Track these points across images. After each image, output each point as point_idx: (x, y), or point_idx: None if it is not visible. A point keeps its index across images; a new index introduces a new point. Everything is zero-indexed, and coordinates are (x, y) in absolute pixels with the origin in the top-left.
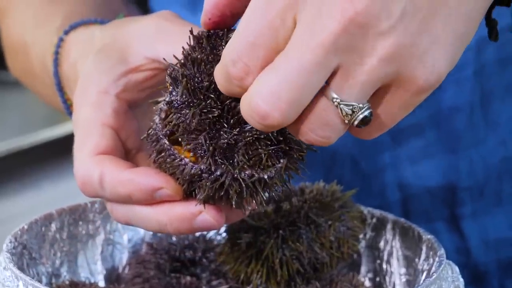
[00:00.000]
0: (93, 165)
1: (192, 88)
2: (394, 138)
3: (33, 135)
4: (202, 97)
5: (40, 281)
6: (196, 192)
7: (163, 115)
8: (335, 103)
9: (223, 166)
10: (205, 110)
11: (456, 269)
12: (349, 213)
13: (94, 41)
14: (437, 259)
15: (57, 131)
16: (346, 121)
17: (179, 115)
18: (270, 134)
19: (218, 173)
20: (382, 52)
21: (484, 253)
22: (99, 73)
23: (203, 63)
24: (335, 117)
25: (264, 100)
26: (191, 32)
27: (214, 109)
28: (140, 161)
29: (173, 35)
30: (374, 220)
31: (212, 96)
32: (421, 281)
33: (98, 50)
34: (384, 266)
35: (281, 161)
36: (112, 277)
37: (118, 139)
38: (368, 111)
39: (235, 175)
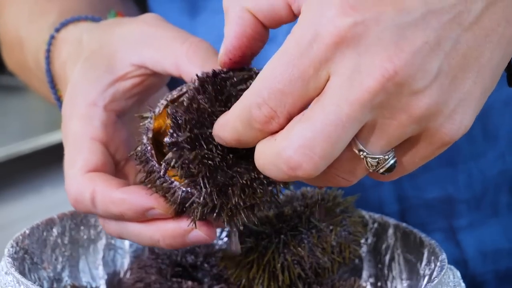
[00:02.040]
0: (84, 183)
1: (195, 135)
2: None
3: (34, 140)
4: (204, 144)
5: (41, 286)
6: (187, 212)
7: (150, 135)
8: (362, 155)
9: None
10: (206, 156)
11: (458, 274)
12: (350, 218)
13: (82, 45)
14: (438, 264)
15: (57, 136)
16: (371, 170)
17: (178, 154)
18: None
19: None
20: (414, 111)
21: (481, 264)
22: (87, 84)
23: (206, 112)
24: (360, 166)
25: (297, 152)
26: (197, 75)
27: (216, 156)
28: (129, 171)
29: (158, 40)
30: (376, 225)
31: (215, 143)
32: (423, 286)
33: (85, 58)
34: (386, 271)
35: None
36: (114, 282)
37: (107, 154)
38: (393, 160)
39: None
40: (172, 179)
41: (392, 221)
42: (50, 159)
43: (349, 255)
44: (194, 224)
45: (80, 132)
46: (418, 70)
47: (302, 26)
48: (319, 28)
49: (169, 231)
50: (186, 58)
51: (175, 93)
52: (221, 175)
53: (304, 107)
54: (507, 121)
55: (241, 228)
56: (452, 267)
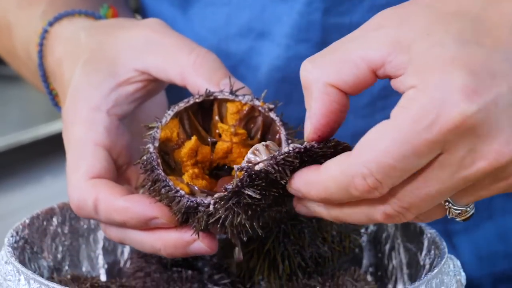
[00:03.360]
0: (87, 190)
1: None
2: None
3: (34, 130)
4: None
5: (41, 275)
6: (191, 221)
7: (156, 144)
8: (447, 206)
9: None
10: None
11: (458, 263)
12: None
13: (80, 44)
14: (438, 253)
15: (57, 126)
16: (449, 217)
17: (235, 201)
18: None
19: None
20: (505, 185)
21: (477, 267)
22: (89, 88)
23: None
24: (441, 214)
25: (396, 210)
26: (241, 168)
27: (260, 204)
28: (131, 175)
29: (163, 47)
30: None
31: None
32: (423, 275)
33: (85, 60)
34: (386, 260)
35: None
36: (114, 271)
37: (110, 159)
38: (473, 211)
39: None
40: (178, 188)
41: None
42: (50, 149)
43: (349, 245)
44: (197, 235)
45: (83, 138)
46: None
47: (420, 105)
48: (441, 111)
49: (171, 241)
50: (193, 69)
51: (182, 105)
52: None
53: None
54: None
55: (245, 239)
56: (452, 256)
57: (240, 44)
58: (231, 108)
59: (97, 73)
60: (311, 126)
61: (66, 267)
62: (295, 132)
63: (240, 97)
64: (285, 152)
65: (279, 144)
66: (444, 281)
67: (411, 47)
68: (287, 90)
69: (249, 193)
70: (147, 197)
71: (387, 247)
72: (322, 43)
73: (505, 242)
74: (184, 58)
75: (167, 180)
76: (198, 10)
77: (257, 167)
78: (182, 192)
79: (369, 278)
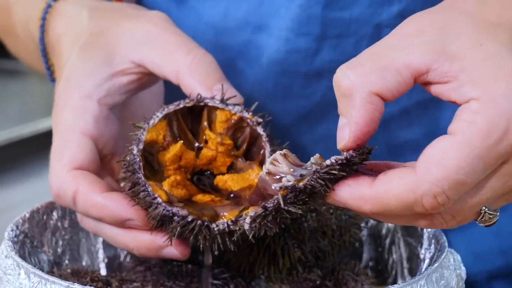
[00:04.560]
0: (68, 181)
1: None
2: (390, 151)
3: (34, 124)
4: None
5: (41, 269)
6: (165, 228)
7: (141, 146)
8: (483, 211)
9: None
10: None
11: (458, 257)
12: None
13: (82, 25)
14: (439, 247)
15: None
16: (478, 221)
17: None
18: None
19: (190, 219)
20: None
21: (473, 264)
22: (83, 74)
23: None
24: (474, 218)
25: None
26: (285, 187)
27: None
28: (115, 165)
29: (161, 43)
30: None
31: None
32: (423, 269)
33: (83, 44)
34: (386, 254)
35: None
36: (114, 265)
37: (95, 150)
38: (498, 216)
39: (206, 223)
40: (156, 195)
41: None
42: (50, 143)
43: (350, 239)
44: (170, 242)
45: (71, 125)
46: None
47: (488, 119)
48: (510, 124)
49: (145, 243)
50: (188, 70)
51: (171, 107)
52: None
53: None
54: None
55: (216, 253)
56: (453, 250)
57: (237, 38)
58: (220, 116)
59: (93, 60)
60: (352, 135)
61: (66, 261)
62: (280, 148)
63: (230, 107)
64: (328, 165)
65: (262, 160)
66: (444, 275)
67: (463, 56)
68: (286, 83)
69: (290, 209)
70: (125, 197)
71: (387, 241)
72: (321, 37)
73: (500, 239)
74: (181, 57)
75: (147, 185)
76: (195, 3)
77: (301, 184)
78: (160, 200)
79: (369, 272)
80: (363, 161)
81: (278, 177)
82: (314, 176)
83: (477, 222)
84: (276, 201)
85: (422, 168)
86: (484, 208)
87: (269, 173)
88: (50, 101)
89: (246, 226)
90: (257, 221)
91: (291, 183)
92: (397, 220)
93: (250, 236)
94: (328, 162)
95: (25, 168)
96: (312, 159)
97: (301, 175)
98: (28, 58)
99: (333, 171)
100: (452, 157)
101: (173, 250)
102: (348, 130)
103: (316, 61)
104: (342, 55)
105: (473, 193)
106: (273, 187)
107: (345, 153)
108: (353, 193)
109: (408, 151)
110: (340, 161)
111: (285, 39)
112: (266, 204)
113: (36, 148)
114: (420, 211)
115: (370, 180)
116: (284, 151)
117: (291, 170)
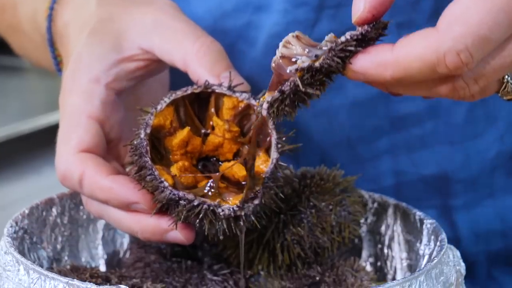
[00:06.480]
0: (75, 163)
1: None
2: (392, 124)
3: (34, 121)
4: None
5: (41, 265)
6: (171, 212)
7: (148, 130)
8: (505, 80)
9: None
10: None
11: (458, 253)
12: (350, 197)
13: (90, 12)
14: (438, 243)
15: (57, 117)
16: (500, 93)
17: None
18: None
19: (196, 203)
20: None
21: (473, 244)
22: (92, 59)
23: None
24: (497, 89)
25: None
26: (301, 69)
27: None
28: (121, 149)
29: (170, 30)
30: (375, 204)
31: None
32: (423, 266)
33: (92, 29)
34: (385, 250)
35: (255, 202)
36: (113, 261)
37: (102, 134)
38: None
39: (211, 207)
40: (162, 179)
41: (392, 200)
42: (49, 139)
43: (349, 235)
44: (175, 225)
45: (78, 109)
46: None
47: None
48: None
49: (150, 227)
50: (196, 57)
51: (179, 93)
52: None
53: None
54: (507, 102)
55: (221, 238)
56: (452, 246)
57: (237, 20)
58: (227, 103)
59: (102, 44)
60: (368, 4)
61: (66, 258)
62: (287, 136)
63: (238, 94)
64: (343, 42)
65: (268, 148)
66: (443, 271)
67: None
68: None
69: (308, 91)
70: (131, 180)
71: (387, 237)
72: (319, 7)
73: (503, 222)
74: (189, 45)
75: (153, 169)
76: None
77: (317, 64)
78: (166, 184)
79: (368, 268)
80: (379, 36)
81: (294, 59)
82: (330, 54)
83: (499, 95)
84: (292, 84)
85: (444, 25)
86: (507, 77)
87: (283, 56)
88: (50, 97)
89: (264, 112)
90: (275, 106)
91: (306, 63)
92: (418, 87)
93: (270, 122)
94: (342, 38)
95: (25, 164)
96: (327, 37)
97: (316, 56)
98: (33, 54)
99: (349, 47)
100: (475, 12)
101: (178, 234)
102: (363, 1)
103: (315, 32)
104: (341, 25)
105: (496, 54)
106: (288, 71)
107: (359, 28)
108: (374, 60)
109: (410, 124)
110: (355, 37)
111: (284, 11)
112: (283, 88)
113: (36, 144)
114: (443, 71)
115: (390, 46)
116: (296, 32)
117: (306, 51)
